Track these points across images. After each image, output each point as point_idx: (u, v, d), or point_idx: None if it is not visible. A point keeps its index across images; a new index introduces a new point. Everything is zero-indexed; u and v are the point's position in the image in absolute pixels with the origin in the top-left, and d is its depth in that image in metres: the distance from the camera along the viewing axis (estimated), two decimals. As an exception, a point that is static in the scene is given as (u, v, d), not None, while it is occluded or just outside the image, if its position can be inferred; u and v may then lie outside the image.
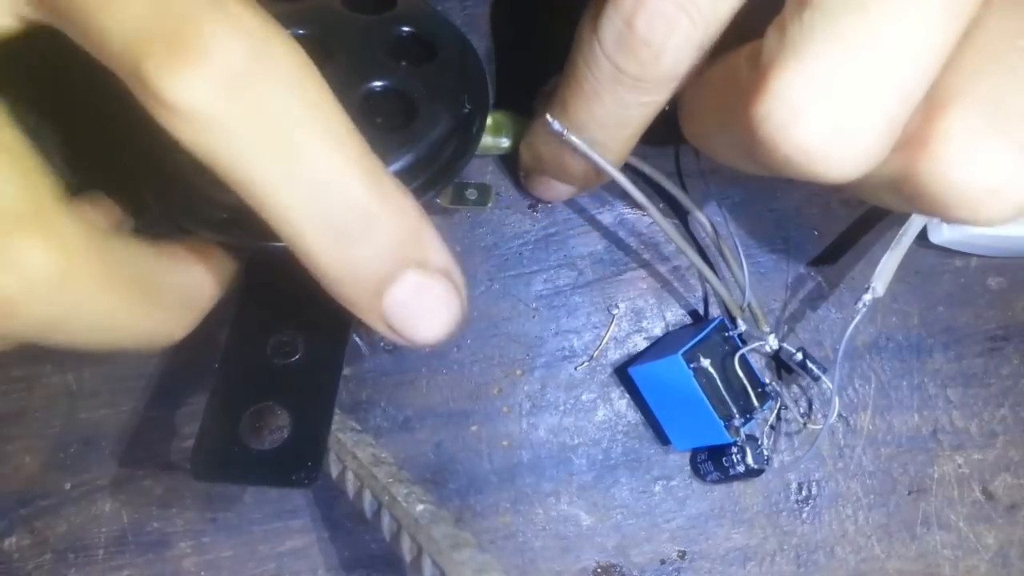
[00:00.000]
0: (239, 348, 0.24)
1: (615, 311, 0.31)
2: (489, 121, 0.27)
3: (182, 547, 0.30)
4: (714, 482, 0.31)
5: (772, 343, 0.29)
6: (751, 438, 0.29)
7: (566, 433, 0.31)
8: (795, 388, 0.32)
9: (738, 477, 0.30)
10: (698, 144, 0.25)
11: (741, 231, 0.32)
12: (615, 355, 0.31)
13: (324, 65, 0.18)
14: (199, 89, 0.16)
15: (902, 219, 0.29)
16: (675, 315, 0.32)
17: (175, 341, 0.20)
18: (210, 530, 0.30)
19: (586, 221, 0.31)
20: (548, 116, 0.24)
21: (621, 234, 0.32)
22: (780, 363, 0.31)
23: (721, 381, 0.28)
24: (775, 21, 0.18)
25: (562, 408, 0.31)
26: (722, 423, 0.28)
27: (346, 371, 0.30)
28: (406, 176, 0.22)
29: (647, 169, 0.29)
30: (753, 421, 0.29)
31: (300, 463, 0.23)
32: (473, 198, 0.28)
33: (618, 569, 0.31)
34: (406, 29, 0.24)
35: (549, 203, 0.31)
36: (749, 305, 0.29)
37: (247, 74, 0.16)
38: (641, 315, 0.31)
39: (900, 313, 0.32)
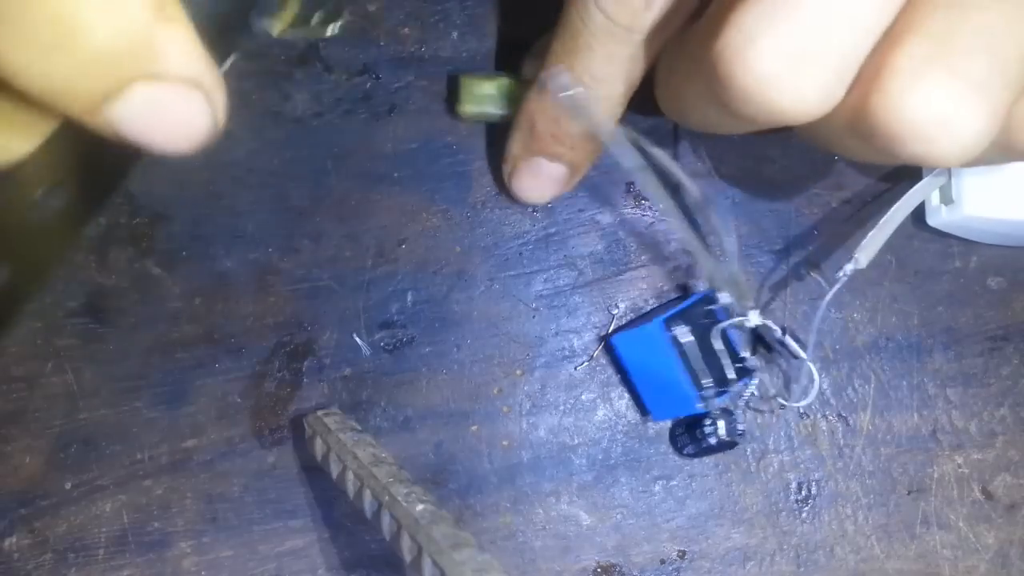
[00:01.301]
0: None
1: (615, 311, 0.31)
2: (495, 87, 0.27)
3: (182, 547, 0.30)
4: (690, 455, 0.31)
5: (754, 318, 0.29)
6: (726, 411, 0.29)
7: (566, 433, 0.31)
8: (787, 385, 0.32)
9: (712, 450, 0.30)
10: (671, 108, 0.25)
11: (741, 231, 0.32)
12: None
13: None
14: None
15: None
16: (675, 315, 0.32)
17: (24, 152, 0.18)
18: (210, 530, 0.30)
19: (586, 221, 0.31)
20: (546, 73, 0.25)
21: (621, 234, 0.32)
22: (760, 340, 0.31)
23: (698, 352, 0.28)
24: None
25: (562, 408, 0.31)
26: (695, 392, 0.28)
27: (346, 371, 0.30)
28: None
29: (633, 135, 0.28)
30: (728, 395, 0.29)
31: None
32: (318, 20, 0.23)
33: (618, 569, 0.31)
34: None
35: (536, 204, 0.31)
36: (735, 278, 0.29)
37: None
38: (641, 315, 0.31)
39: (900, 313, 0.32)
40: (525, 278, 0.31)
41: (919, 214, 0.32)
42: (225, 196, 0.30)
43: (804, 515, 0.31)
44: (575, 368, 0.31)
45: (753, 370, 0.29)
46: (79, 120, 0.16)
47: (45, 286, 0.22)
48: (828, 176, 0.32)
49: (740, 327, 0.30)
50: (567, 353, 0.31)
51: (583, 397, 0.31)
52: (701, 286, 0.31)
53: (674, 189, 0.31)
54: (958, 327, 0.32)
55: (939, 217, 0.31)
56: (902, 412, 0.32)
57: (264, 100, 0.30)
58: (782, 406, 0.31)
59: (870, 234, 0.27)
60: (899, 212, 0.28)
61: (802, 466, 0.31)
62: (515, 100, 0.27)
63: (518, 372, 0.31)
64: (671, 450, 0.31)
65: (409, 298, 0.31)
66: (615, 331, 0.31)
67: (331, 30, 0.24)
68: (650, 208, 0.32)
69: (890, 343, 0.32)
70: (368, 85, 0.31)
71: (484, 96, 0.28)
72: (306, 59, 0.30)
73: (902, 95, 0.18)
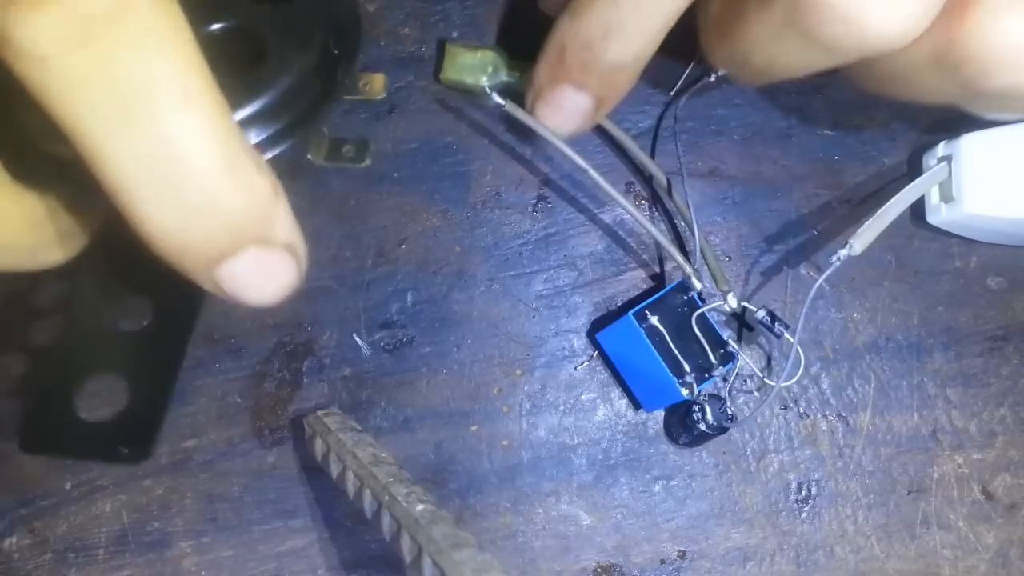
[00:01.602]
0: (84, 309, 0.23)
1: (615, 311, 0.31)
2: (477, 58, 0.27)
3: (182, 547, 0.30)
4: (685, 444, 0.31)
5: (731, 302, 0.29)
6: (715, 397, 0.29)
7: (566, 433, 0.31)
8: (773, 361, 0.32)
9: (705, 436, 0.29)
10: (726, 52, 0.25)
11: (741, 231, 0.32)
12: (615, 355, 0.31)
13: None
14: (45, 30, 0.14)
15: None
16: (675, 315, 0.32)
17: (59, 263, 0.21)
18: (210, 530, 0.30)
19: (586, 221, 0.31)
20: (495, 95, 0.26)
21: (621, 234, 0.32)
22: (746, 325, 0.31)
23: (675, 339, 0.28)
24: None
25: (562, 408, 0.31)
26: (675, 379, 0.28)
27: (346, 371, 0.30)
28: (252, 126, 0.21)
29: (607, 124, 0.29)
30: (713, 380, 0.29)
31: (132, 438, 0.22)
32: (350, 155, 0.27)
33: (618, 569, 0.31)
34: None
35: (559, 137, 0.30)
36: (707, 265, 0.29)
37: (104, 19, 0.15)
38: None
39: (900, 313, 0.32)
40: (525, 278, 0.31)
41: (919, 213, 0.32)
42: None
43: (804, 515, 0.31)
44: (575, 368, 0.31)
45: (735, 354, 0.29)
46: (188, 275, 0.18)
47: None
48: (828, 176, 0.32)
49: (719, 311, 0.30)
50: (567, 353, 0.31)
51: (583, 397, 0.31)
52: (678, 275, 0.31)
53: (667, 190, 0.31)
54: (958, 327, 0.32)
55: (939, 215, 0.31)
56: (902, 412, 0.32)
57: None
58: (763, 381, 0.31)
59: (867, 222, 0.27)
60: (898, 203, 0.28)
61: (802, 466, 0.31)
62: (495, 72, 0.29)
63: (518, 372, 0.31)
64: (671, 450, 0.31)
65: (409, 298, 0.31)
66: (599, 327, 0.31)
67: (365, 164, 0.27)
68: (650, 208, 0.32)
69: (890, 343, 0.32)
70: (368, 85, 0.31)
71: (465, 65, 0.29)
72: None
73: (995, 25, 0.19)
